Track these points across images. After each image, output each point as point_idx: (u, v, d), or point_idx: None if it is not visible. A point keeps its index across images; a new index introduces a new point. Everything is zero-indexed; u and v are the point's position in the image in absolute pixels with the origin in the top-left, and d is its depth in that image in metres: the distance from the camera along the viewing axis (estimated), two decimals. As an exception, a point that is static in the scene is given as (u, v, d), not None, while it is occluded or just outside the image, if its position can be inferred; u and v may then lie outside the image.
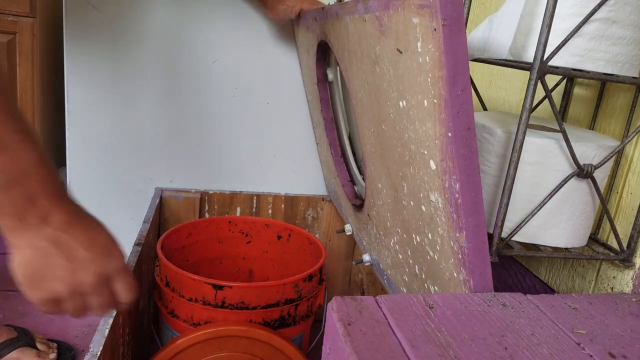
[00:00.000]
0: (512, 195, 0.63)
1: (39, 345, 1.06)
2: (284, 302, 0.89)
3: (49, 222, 0.54)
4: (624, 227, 0.70)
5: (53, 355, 1.07)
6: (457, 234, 0.51)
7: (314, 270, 0.94)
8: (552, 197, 0.63)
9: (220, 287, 0.85)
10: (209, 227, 1.13)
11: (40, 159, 0.53)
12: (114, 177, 1.20)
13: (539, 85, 0.58)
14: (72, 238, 0.55)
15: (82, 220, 0.57)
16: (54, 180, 0.55)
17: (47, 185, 0.54)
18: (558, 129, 0.65)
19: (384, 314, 0.47)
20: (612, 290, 0.71)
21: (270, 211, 1.25)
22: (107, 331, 0.70)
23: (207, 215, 1.21)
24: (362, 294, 1.34)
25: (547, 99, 0.60)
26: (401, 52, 0.51)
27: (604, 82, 0.76)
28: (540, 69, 0.57)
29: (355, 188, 1.04)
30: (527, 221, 0.64)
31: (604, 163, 0.63)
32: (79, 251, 0.56)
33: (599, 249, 0.70)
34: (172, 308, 0.91)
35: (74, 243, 0.56)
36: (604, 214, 0.74)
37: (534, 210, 0.64)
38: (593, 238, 0.73)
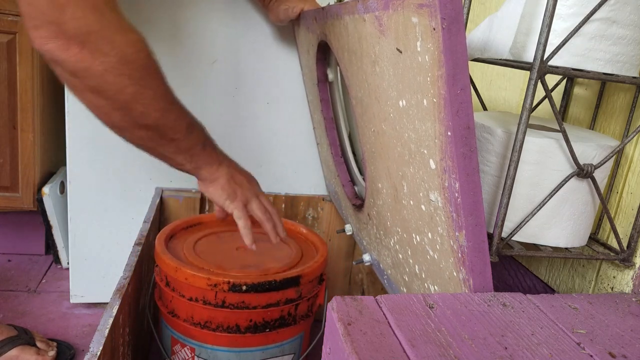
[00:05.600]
0: (512, 195, 0.63)
1: (38, 344, 1.07)
2: (284, 302, 0.89)
3: (228, 162, 0.88)
4: (624, 227, 0.70)
5: (52, 354, 1.07)
6: (457, 233, 0.50)
7: None
8: (552, 197, 0.63)
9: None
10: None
11: (203, 126, 0.83)
12: (114, 177, 1.20)
13: (539, 85, 0.58)
14: (237, 171, 0.90)
15: (233, 161, 0.91)
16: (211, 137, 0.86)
17: (213, 141, 0.86)
18: (558, 128, 0.65)
19: (384, 314, 0.47)
20: (612, 290, 0.71)
21: (270, 211, 1.25)
22: (107, 331, 0.70)
23: (207, 215, 1.21)
24: (362, 294, 1.34)
25: (547, 98, 0.60)
26: (401, 52, 0.51)
27: (604, 82, 0.76)
28: (540, 68, 0.57)
29: (356, 188, 1.04)
30: (527, 221, 0.64)
31: (604, 163, 0.63)
32: (241, 176, 0.90)
33: (599, 249, 0.70)
34: (172, 308, 0.91)
35: (239, 174, 0.90)
36: (604, 214, 0.73)
37: (534, 210, 0.64)
38: (593, 238, 0.73)
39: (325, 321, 0.59)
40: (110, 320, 0.72)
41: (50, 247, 1.50)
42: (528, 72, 0.58)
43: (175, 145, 0.78)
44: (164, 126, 0.74)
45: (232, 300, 0.86)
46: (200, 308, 0.87)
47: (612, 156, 0.64)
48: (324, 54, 0.98)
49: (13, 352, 1.02)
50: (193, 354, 0.91)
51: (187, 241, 0.98)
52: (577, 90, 0.83)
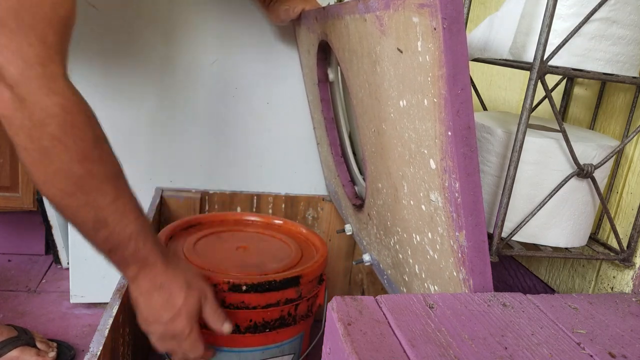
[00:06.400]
0: (512, 195, 0.63)
1: (38, 345, 1.06)
2: (283, 302, 0.89)
3: (138, 284, 0.72)
4: (624, 227, 0.70)
5: (53, 354, 1.07)
6: (457, 233, 0.51)
7: None
8: (552, 197, 0.63)
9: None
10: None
11: (133, 232, 0.68)
12: (114, 177, 1.19)
13: (539, 85, 0.58)
14: (148, 301, 0.73)
15: (160, 289, 0.73)
16: (144, 249, 0.70)
17: (137, 253, 0.70)
18: (558, 128, 0.65)
19: (384, 314, 0.47)
20: (612, 290, 0.71)
21: (270, 211, 1.25)
22: (107, 331, 0.70)
23: (207, 215, 1.21)
24: (362, 294, 1.34)
25: (547, 98, 0.60)
26: (401, 52, 0.51)
27: (604, 82, 0.76)
28: (541, 68, 0.57)
29: (356, 188, 1.04)
30: (527, 221, 0.64)
31: (604, 163, 0.63)
32: (153, 311, 0.73)
33: (599, 249, 0.70)
34: None
35: (153, 304, 0.73)
36: (604, 214, 0.73)
37: (534, 210, 0.64)
38: (593, 238, 0.73)
39: (325, 321, 0.59)
40: (110, 320, 0.72)
41: (50, 247, 1.49)
42: (528, 72, 0.58)
43: (83, 235, 0.68)
44: (65, 208, 0.65)
45: (232, 300, 0.86)
46: None
47: (612, 156, 0.64)
48: (325, 53, 0.98)
49: (13, 353, 1.02)
50: (193, 354, 0.91)
51: (187, 241, 0.98)
52: (577, 90, 0.83)
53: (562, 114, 0.83)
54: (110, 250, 0.69)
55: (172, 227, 1.01)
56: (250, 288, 0.85)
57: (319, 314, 1.01)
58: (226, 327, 0.80)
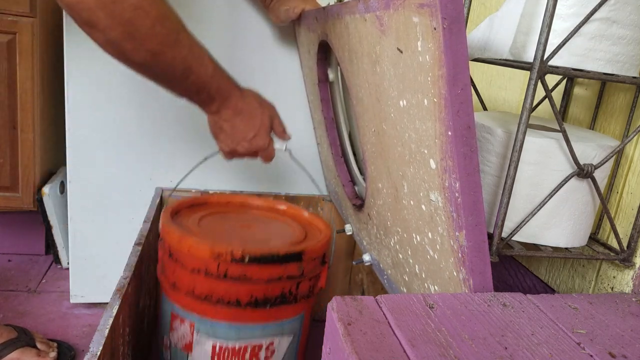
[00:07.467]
0: (512, 195, 0.63)
1: (39, 345, 1.06)
2: (285, 277, 0.89)
3: (222, 114, 0.88)
4: (624, 227, 0.70)
5: (53, 355, 1.07)
6: (457, 233, 0.50)
7: None
8: (552, 197, 0.63)
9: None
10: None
11: (212, 72, 0.82)
12: (114, 177, 1.20)
13: (539, 85, 0.58)
14: (233, 125, 0.89)
15: (241, 113, 0.89)
16: (223, 84, 0.85)
17: (220, 88, 0.84)
18: (558, 128, 0.65)
19: (384, 314, 0.47)
20: (612, 290, 0.71)
21: (270, 211, 1.25)
22: (107, 331, 0.70)
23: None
24: (362, 294, 1.33)
25: (547, 98, 0.60)
26: (401, 52, 0.51)
27: (604, 82, 0.76)
28: (541, 68, 0.57)
29: (356, 188, 1.04)
30: (527, 221, 0.64)
31: (604, 163, 0.63)
32: (239, 132, 0.90)
33: (599, 249, 0.70)
34: (174, 280, 0.91)
35: (237, 126, 0.89)
36: (604, 214, 0.73)
37: (534, 210, 0.64)
38: (593, 238, 0.73)
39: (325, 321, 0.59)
40: (110, 320, 0.72)
41: (50, 247, 1.49)
42: (528, 72, 0.58)
43: (172, 86, 0.81)
44: (156, 67, 0.74)
45: (234, 272, 0.86)
46: (202, 280, 0.87)
47: (612, 156, 0.64)
48: (325, 53, 0.98)
49: (14, 355, 1.02)
50: (192, 329, 0.91)
51: (191, 217, 0.99)
52: (577, 90, 0.83)
53: (562, 114, 0.83)
54: (198, 91, 0.82)
55: (177, 204, 1.02)
56: (253, 260, 0.85)
57: (319, 314, 1.01)
58: (287, 135, 0.97)
